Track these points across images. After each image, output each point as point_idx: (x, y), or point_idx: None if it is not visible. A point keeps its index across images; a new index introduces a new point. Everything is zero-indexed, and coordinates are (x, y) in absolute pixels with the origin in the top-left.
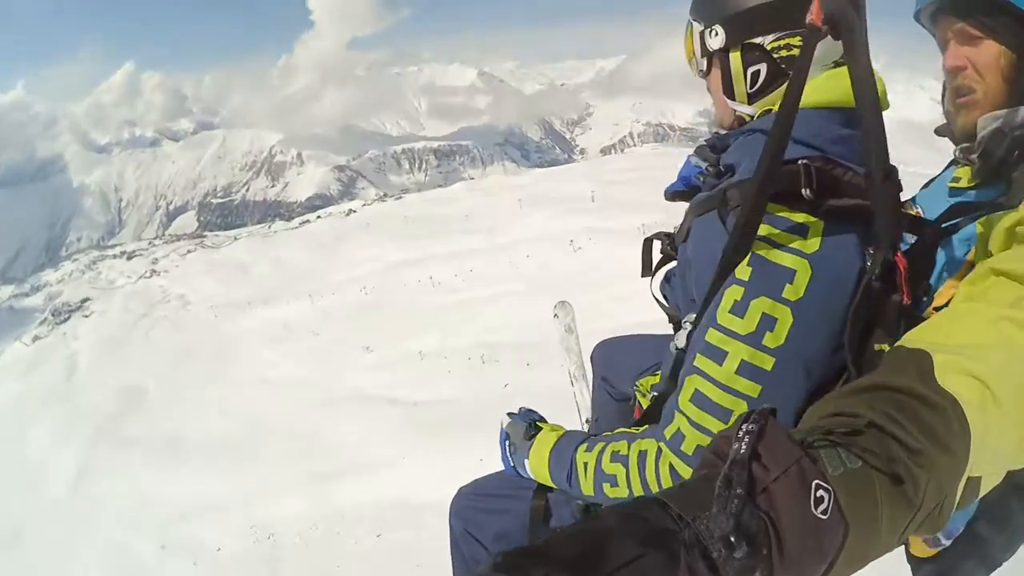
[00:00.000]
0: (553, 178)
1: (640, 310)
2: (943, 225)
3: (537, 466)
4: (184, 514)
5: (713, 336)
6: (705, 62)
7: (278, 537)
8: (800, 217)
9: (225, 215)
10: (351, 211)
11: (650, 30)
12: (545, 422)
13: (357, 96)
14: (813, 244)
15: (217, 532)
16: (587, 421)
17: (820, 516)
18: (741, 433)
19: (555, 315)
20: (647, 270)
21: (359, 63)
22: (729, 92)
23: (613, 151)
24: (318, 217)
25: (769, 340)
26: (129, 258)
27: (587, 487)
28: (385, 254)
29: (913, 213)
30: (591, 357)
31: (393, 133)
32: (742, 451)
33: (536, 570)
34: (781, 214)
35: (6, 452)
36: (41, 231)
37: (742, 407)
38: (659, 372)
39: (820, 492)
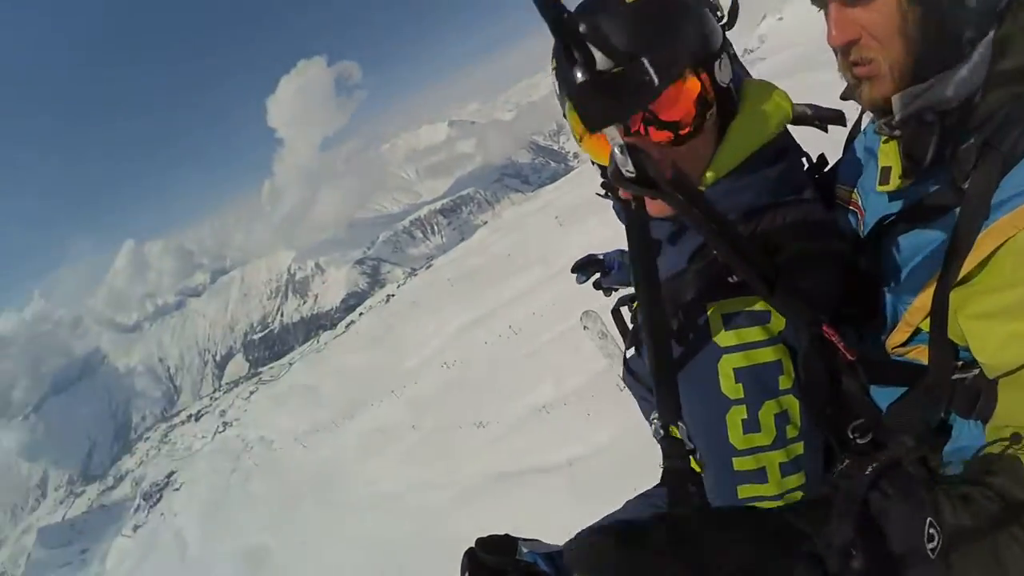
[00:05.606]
0: (572, 187)
1: None
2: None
3: None
4: None
5: (742, 463)
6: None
7: None
8: (759, 304)
9: (270, 346)
10: (390, 296)
11: None
12: None
13: (348, 190)
14: (779, 322)
15: None
16: None
17: (929, 553)
18: (868, 469)
19: (584, 327)
20: (627, 342)
21: (336, 160)
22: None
23: None
24: (360, 315)
25: (791, 431)
26: (197, 419)
27: None
28: (448, 321)
29: (852, 202)
30: (623, 380)
31: (395, 210)
32: (866, 475)
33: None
34: (741, 309)
35: None
36: (105, 423)
37: (798, 495)
38: None
39: (931, 531)
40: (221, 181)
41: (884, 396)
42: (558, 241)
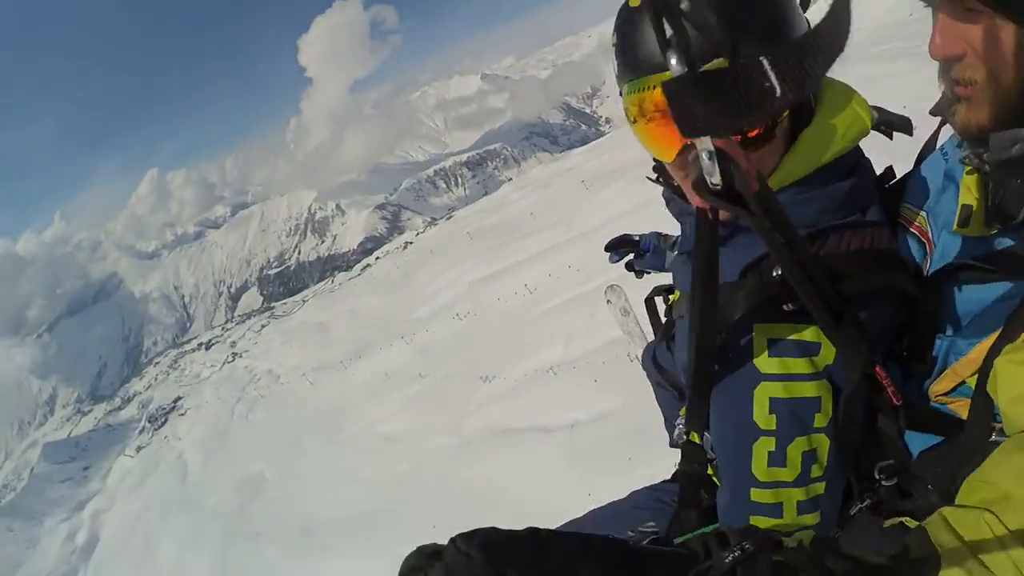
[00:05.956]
0: (603, 151)
1: None
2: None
3: None
4: None
5: (760, 495)
6: None
7: None
8: (809, 334)
9: (285, 282)
10: (408, 243)
11: None
12: None
13: (374, 134)
14: (828, 356)
15: None
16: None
17: None
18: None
19: (608, 301)
20: (659, 334)
21: (365, 103)
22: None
23: None
24: (376, 259)
25: (816, 471)
26: (207, 348)
27: None
28: (463, 275)
29: (916, 225)
30: (643, 365)
31: (420, 159)
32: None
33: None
34: (790, 337)
35: (141, 570)
36: (117, 346)
37: (811, 534)
38: None
39: None
40: (247, 116)
41: (917, 442)
42: (582, 205)
